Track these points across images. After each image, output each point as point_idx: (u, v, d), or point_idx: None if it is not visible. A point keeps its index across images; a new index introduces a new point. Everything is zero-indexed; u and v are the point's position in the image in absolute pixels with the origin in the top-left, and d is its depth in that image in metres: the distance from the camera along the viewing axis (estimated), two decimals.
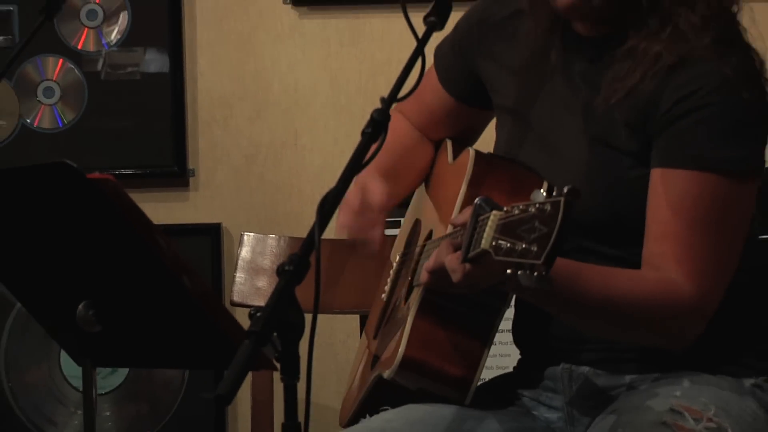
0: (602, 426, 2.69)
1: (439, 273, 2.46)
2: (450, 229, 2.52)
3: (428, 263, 2.50)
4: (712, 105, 2.64)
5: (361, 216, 2.83)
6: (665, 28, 2.67)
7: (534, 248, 2.30)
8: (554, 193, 2.30)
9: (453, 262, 2.44)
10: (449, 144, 2.92)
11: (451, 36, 2.85)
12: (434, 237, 2.75)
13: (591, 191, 2.69)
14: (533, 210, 2.32)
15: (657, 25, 2.68)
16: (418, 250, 2.82)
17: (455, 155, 2.86)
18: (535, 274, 2.28)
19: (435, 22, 2.56)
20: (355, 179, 2.78)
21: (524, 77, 2.82)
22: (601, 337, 2.72)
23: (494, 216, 2.34)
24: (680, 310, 2.63)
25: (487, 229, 2.35)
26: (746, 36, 2.73)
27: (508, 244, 2.31)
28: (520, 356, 2.90)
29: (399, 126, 2.94)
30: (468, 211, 2.41)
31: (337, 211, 2.73)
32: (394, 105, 2.44)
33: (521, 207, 2.33)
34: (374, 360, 2.84)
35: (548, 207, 2.31)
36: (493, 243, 2.32)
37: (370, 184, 2.84)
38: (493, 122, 2.85)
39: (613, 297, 2.63)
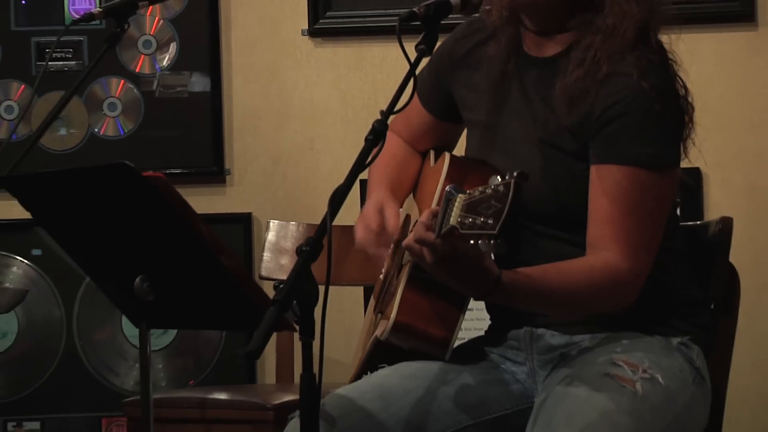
0: (556, 377, 2.69)
1: (417, 246, 2.48)
2: (431, 212, 2.48)
3: (407, 239, 2.50)
4: (632, 112, 2.65)
5: (378, 236, 2.81)
6: (602, 48, 2.69)
7: (490, 221, 2.34)
8: (506, 177, 2.34)
9: (429, 237, 2.46)
10: (432, 153, 2.92)
11: (428, 67, 2.83)
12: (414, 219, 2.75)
13: (543, 186, 2.72)
14: (490, 191, 2.37)
15: (595, 47, 2.69)
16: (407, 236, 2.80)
17: (437, 158, 2.87)
18: (491, 242, 2.33)
19: (424, 50, 2.57)
20: (372, 188, 2.82)
21: (488, 95, 2.82)
22: (557, 309, 2.72)
23: (460, 198, 2.38)
24: (618, 282, 2.65)
25: (455, 209, 2.39)
26: (675, 58, 2.73)
27: (470, 220, 2.35)
28: (490, 321, 2.93)
29: (395, 143, 2.94)
30: (441, 196, 2.44)
31: (356, 224, 2.80)
32: (390, 118, 2.44)
33: (480, 189, 2.37)
34: (375, 326, 2.83)
35: (501, 188, 2.35)
36: (459, 220, 2.36)
37: (387, 208, 2.84)
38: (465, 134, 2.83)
39: (571, 291, 2.66)
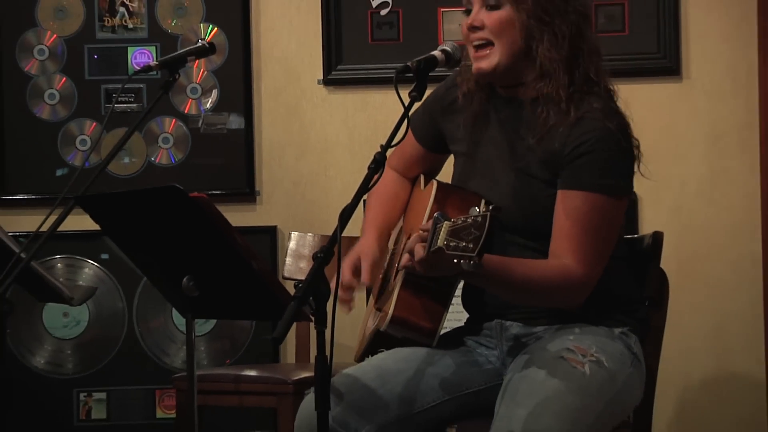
0: (519, 361, 2.68)
1: (410, 258, 2.48)
2: (421, 231, 2.47)
3: (405, 252, 2.52)
4: (599, 149, 2.63)
5: (375, 267, 2.79)
6: (570, 102, 2.66)
7: (470, 245, 2.33)
8: (483, 210, 2.34)
9: (420, 252, 2.46)
10: (422, 178, 2.91)
11: (422, 108, 2.82)
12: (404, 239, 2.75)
13: (516, 206, 2.71)
14: (470, 221, 2.36)
15: (568, 98, 2.67)
16: (401, 246, 2.77)
17: (425, 184, 2.86)
18: (471, 262, 2.31)
19: (416, 96, 2.58)
20: (360, 242, 2.83)
21: (470, 131, 2.80)
22: (524, 302, 2.71)
23: (446, 225, 2.38)
24: (573, 284, 2.64)
25: (442, 233, 2.38)
26: (620, 104, 2.72)
27: (454, 243, 2.34)
28: (468, 315, 2.90)
29: (389, 179, 2.94)
30: (430, 221, 2.43)
31: (362, 261, 2.75)
32: (389, 151, 2.45)
33: (462, 219, 2.37)
34: (375, 318, 2.80)
35: (479, 218, 2.34)
36: (445, 242, 2.35)
37: (363, 262, 2.79)
38: (451, 161, 2.81)
39: (531, 281, 2.64)
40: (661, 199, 3.74)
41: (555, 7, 2.62)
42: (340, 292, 2.73)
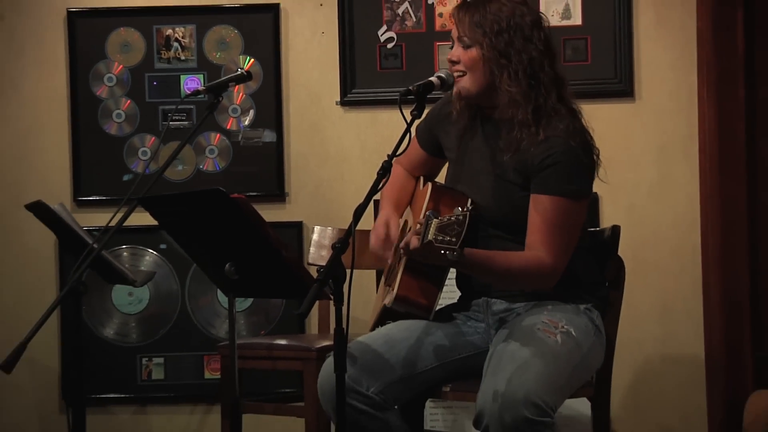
0: (502, 334, 2.69)
1: (407, 248, 2.49)
2: (417, 225, 2.48)
3: (403, 242, 2.52)
4: (560, 162, 2.64)
5: (384, 242, 2.78)
6: (538, 121, 2.67)
7: (453, 239, 2.35)
8: (465, 209, 2.36)
9: (415, 243, 2.46)
10: (422, 179, 2.92)
11: (424, 122, 2.85)
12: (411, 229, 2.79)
13: (496, 206, 2.71)
14: (454, 219, 2.37)
15: (535, 118, 2.67)
16: (405, 236, 2.79)
17: (424, 184, 2.87)
18: (454, 253, 2.32)
19: (416, 114, 2.61)
20: (382, 207, 2.83)
21: (460, 141, 2.82)
22: (504, 287, 2.72)
23: (435, 222, 2.40)
24: (544, 272, 2.65)
25: (432, 229, 2.39)
26: (585, 122, 2.72)
27: (441, 237, 2.36)
28: (459, 294, 2.90)
29: (399, 171, 2.96)
30: (424, 218, 2.45)
31: (370, 235, 2.83)
32: (394, 159, 2.49)
33: (448, 217, 2.39)
34: (384, 294, 2.80)
35: (461, 217, 2.36)
36: (434, 237, 2.36)
37: (391, 223, 2.81)
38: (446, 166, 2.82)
39: (510, 269, 2.65)
40: (617, 199, 3.72)
41: (514, 49, 2.64)
42: (375, 243, 2.78)
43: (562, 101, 2.69)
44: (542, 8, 3.68)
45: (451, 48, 2.72)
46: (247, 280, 2.64)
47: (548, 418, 2.53)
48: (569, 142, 2.61)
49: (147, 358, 3.85)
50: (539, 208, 2.63)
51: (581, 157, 2.63)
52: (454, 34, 2.71)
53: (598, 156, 2.67)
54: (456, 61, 2.69)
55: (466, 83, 2.68)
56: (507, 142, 2.68)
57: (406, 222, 2.86)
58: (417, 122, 2.64)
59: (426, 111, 2.68)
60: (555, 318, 2.67)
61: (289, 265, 2.60)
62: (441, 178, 2.90)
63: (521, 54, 2.64)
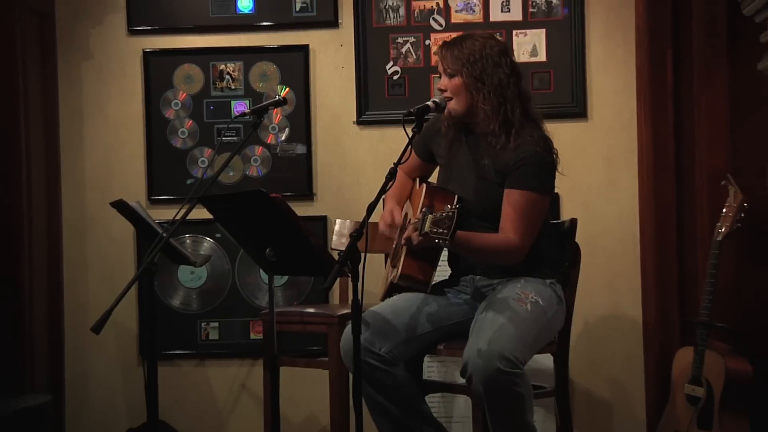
0: (483, 304, 2.71)
1: (409, 240, 2.52)
2: (415, 218, 2.51)
3: (405, 234, 2.55)
4: (529, 164, 2.65)
5: (390, 226, 2.80)
6: (509, 131, 2.68)
7: (445, 231, 2.34)
8: (453, 207, 2.37)
9: (414, 235, 2.47)
10: (418, 180, 2.93)
11: (420, 137, 2.85)
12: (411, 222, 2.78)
13: (477, 201, 2.71)
14: (445, 214, 2.36)
15: (505, 130, 2.68)
16: (406, 227, 2.78)
17: (420, 184, 2.87)
18: (446, 242, 2.32)
19: (416, 131, 2.61)
20: (387, 202, 2.84)
21: (448, 150, 2.82)
22: (484, 263, 2.72)
23: (430, 217, 2.39)
24: (512, 250, 2.66)
25: (427, 222, 2.39)
26: (546, 130, 2.73)
27: (435, 229, 2.36)
28: (450, 272, 2.90)
29: (401, 176, 2.95)
30: (421, 214, 2.46)
31: (379, 221, 2.82)
32: (399, 165, 2.48)
33: (440, 213, 2.39)
34: (390, 273, 2.81)
35: (451, 213, 2.35)
36: (429, 229, 2.36)
37: (395, 212, 2.81)
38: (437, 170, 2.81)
39: (486, 247, 2.65)
40: (574, 198, 3.71)
41: (486, 74, 2.66)
42: (383, 227, 2.78)
43: (527, 114, 2.70)
44: (515, 48, 3.66)
45: (440, 78, 2.74)
46: (283, 261, 2.64)
47: (519, 369, 2.54)
48: (536, 148, 2.63)
49: (205, 323, 3.84)
50: (510, 200, 2.64)
51: (545, 159, 2.65)
52: (441, 68, 2.72)
53: (557, 155, 2.68)
54: (444, 89, 2.71)
55: (453, 105, 2.70)
56: (486, 150, 2.69)
57: (406, 214, 2.86)
58: (417, 137, 2.65)
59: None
60: (526, 290, 2.67)
61: (316, 250, 2.59)
62: (433, 179, 2.91)
63: (492, 77, 2.65)
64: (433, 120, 2.83)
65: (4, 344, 3.48)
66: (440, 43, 2.77)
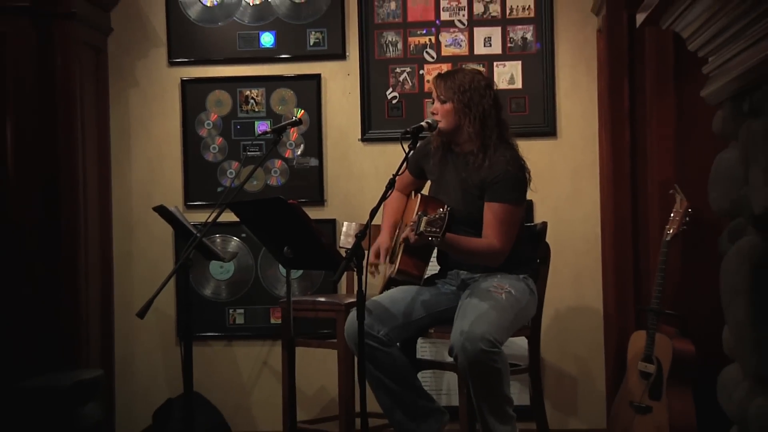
0: (466, 294, 2.71)
1: (407, 239, 2.51)
2: (412, 222, 2.49)
3: (403, 234, 2.55)
4: (504, 180, 2.65)
5: (388, 251, 2.82)
6: (486, 152, 2.68)
7: (437, 230, 2.33)
8: (444, 210, 2.35)
9: (411, 234, 2.46)
10: (412, 193, 2.92)
11: (412, 157, 2.86)
12: (405, 225, 2.78)
13: (463, 209, 2.72)
14: (437, 216, 2.35)
15: (483, 151, 2.68)
16: (402, 230, 2.77)
17: (414, 195, 2.87)
18: (438, 240, 2.31)
19: (412, 147, 2.59)
20: (381, 235, 2.84)
21: (437, 167, 2.82)
22: (471, 263, 2.72)
23: (424, 219, 2.38)
24: (494, 253, 2.66)
25: (422, 223, 2.38)
26: (519, 152, 2.72)
27: (429, 229, 2.34)
28: (439, 267, 2.90)
29: (396, 196, 2.96)
30: (416, 216, 2.45)
31: (372, 246, 2.83)
32: (396, 178, 2.47)
33: (433, 216, 2.38)
34: (389, 269, 2.81)
35: (443, 215, 2.34)
36: (424, 228, 2.35)
37: (381, 248, 2.80)
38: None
39: (472, 250, 2.65)
40: (545, 204, 3.70)
41: (473, 103, 2.66)
42: (371, 262, 2.75)
43: (502, 138, 2.70)
44: (495, 77, 3.66)
45: (432, 103, 2.74)
46: (298, 257, 2.64)
47: (497, 349, 2.54)
48: (507, 167, 2.64)
49: (232, 309, 3.83)
50: (491, 211, 2.64)
51: (518, 175, 2.65)
52: (434, 95, 2.72)
53: (529, 174, 2.68)
54: (435, 112, 2.72)
55: (443, 125, 2.70)
56: (467, 167, 2.69)
57: (402, 221, 2.87)
58: (412, 153, 2.64)
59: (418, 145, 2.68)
60: (503, 283, 2.68)
61: (327, 248, 2.59)
62: (425, 190, 2.90)
63: (478, 106, 2.66)
64: (423, 143, 2.84)
65: (63, 327, 3.49)
66: (433, 72, 2.79)
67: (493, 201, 2.62)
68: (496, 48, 3.69)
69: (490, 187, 2.62)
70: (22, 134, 3.36)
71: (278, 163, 3.82)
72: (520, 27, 3.67)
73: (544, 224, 2.95)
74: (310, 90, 3.79)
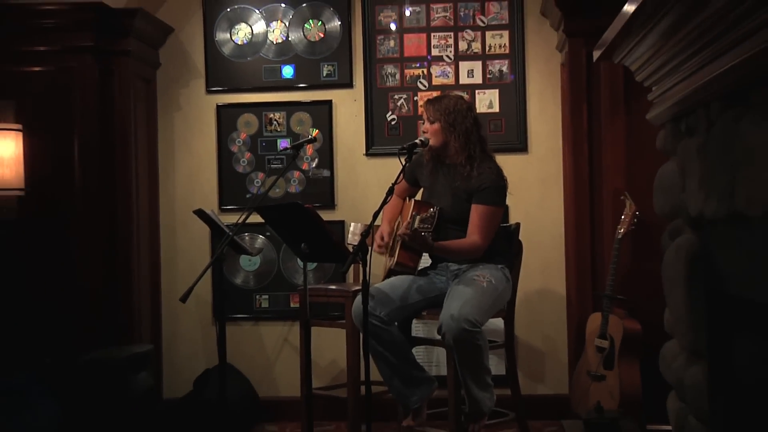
0: (454, 282, 2.71)
1: (403, 236, 2.50)
2: (408, 221, 2.48)
3: (399, 232, 2.54)
4: (488, 187, 2.65)
5: (390, 235, 2.80)
6: (473, 164, 2.67)
7: (429, 226, 2.34)
8: (434, 210, 2.35)
9: (406, 231, 2.46)
10: (407, 198, 2.91)
11: (408, 168, 2.86)
12: (402, 224, 2.77)
13: (452, 211, 2.71)
14: (428, 215, 2.36)
15: (470, 162, 2.68)
16: (398, 228, 2.77)
17: (408, 200, 2.86)
18: (430, 234, 2.32)
19: (408, 160, 2.59)
20: (383, 221, 2.81)
21: (429, 177, 2.82)
22: (456, 260, 2.72)
23: (418, 218, 2.38)
24: (476, 248, 2.65)
25: (416, 221, 2.38)
26: (497, 163, 2.72)
27: (422, 225, 2.34)
28: (431, 261, 2.89)
29: (394, 200, 2.96)
30: (410, 216, 2.44)
31: (375, 236, 2.79)
32: (395, 186, 2.46)
33: (425, 215, 2.37)
34: (389, 261, 2.80)
35: (434, 213, 2.35)
36: (418, 225, 2.35)
37: (384, 233, 2.79)
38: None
39: (460, 250, 2.65)
40: (519, 208, 3.70)
41: (457, 122, 2.67)
42: (376, 247, 2.74)
43: (484, 152, 2.71)
44: (477, 103, 3.67)
45: (423, 124, 2.75)
46: (313, 252, 2.63)
47: (478, 328, 2.55)
48: (492, 176, 2.64)
49: (259, 295, 3.83)
50: (476, 212, 2.65)
51: (500, 183, 2.65)
52: (425, 116, 2.73)
53: (506, 180, 2.69)
54: (426, 131, 2.73)
55: (433, 142, 2.71)
56: (456, 176, 2.70)
57: (398, 220, 2.87)
58: (408, 166, 2.63)
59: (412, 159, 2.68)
60: (484, 272, 2.68)
61: (337, 245, 2.60)
62: (417, 196, 2.89)
63: (461, 125, 2.68)
64: (418, 156, 2.85)
65: (119, 309, 3.52)
66: (425, 99, 2.79)
67: (479, 203, 2.64)
68: (478, 78, 3.70)
69: (478, 192, 2.64)
70: (86, 152, 3.47)
71: (297, 174, 3.82)
72: (497, 61, 3.68)
73: (518, 225, 2.97)
74: (323, 113, 3.79)
